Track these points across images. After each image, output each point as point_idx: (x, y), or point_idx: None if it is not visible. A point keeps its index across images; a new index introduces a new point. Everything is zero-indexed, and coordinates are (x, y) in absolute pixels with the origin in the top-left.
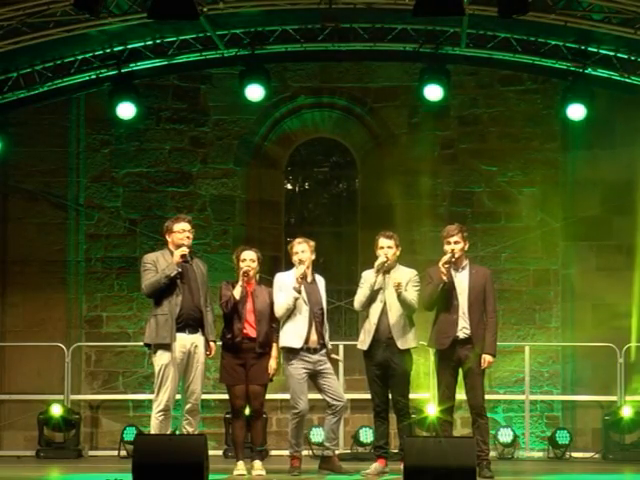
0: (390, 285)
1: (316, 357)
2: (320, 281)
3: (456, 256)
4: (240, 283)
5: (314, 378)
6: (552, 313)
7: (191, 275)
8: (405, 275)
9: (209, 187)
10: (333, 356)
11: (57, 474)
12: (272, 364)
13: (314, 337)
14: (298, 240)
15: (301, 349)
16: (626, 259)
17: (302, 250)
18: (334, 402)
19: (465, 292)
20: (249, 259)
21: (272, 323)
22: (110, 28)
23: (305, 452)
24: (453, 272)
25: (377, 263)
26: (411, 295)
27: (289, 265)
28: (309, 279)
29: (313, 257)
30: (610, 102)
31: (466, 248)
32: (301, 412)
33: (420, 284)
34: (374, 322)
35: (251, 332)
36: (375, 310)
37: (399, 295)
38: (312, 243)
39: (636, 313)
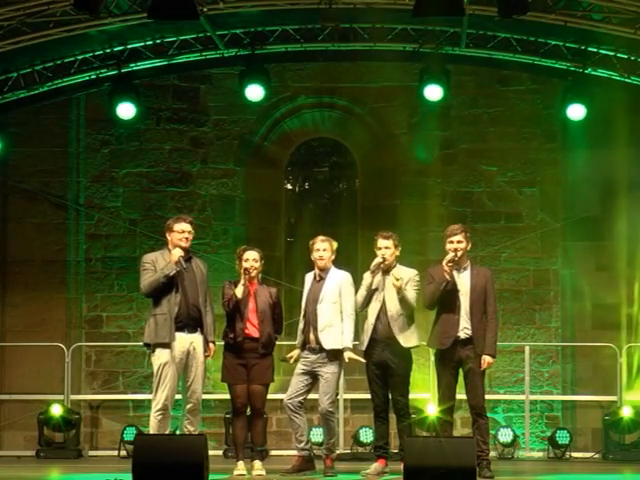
0: (388, 285)
1: (313, 357)
2: (331, 278)
3: (459, 255)
4: (242, 282)
5: (314, 379)
6: (552, 313)
7: (190, 275)
8: (405, 275)
9: (209, 187)
10: (347, 355)
11: (57, 474)
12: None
13: (312, 337)
14: (321, 238)
15: (302, 348)
16: (626, 259)
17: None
18: (319, 407)
19: (467, 292)
20: (252, 259)
21: (275, 324)
22: (110, 28)
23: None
24: (455, 272)
25: (373, 264)
26: (410, 294)
27: (288, 264)
28: (317, 278)
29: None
30: (610, 102)
31: (468, 248)
32: (284, 402)
33: (420, 284)
34: (372, 322)
35: (253, 332)
36: (373, 310)
37: (399, 291)
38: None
39: (636, 313)
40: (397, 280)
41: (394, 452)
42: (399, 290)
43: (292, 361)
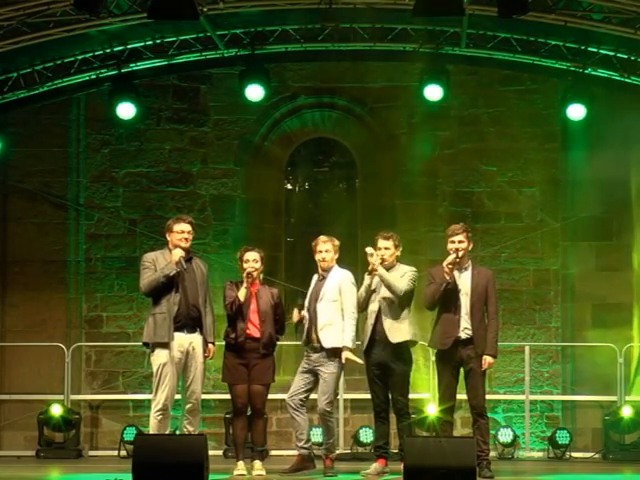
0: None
1: (315, 356)
2: (332, 277)
3: (460, 256)
4: (245, 285)
5: (316, 378)
6: (552, 313)
7: (191, 275)
8: (402, 270)
9: (209, 187)
10: (345, 355)
11: (57, 474)
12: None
13: (313, 335)
14: (323, 239)
15: (306, 345)
16: (626, 259)
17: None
18: (317, 408)
19: (468, 293)
20: (252, 260)
21: (276, 324)
22: (110, 28)
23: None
24: (456, 272)
25: (371, 265)
26: (401, 282)
27: (288, 264)
28: (320, 277)
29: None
30: (610, 102)
31: (470, 248)
32: (286, 400)
33: (419, 283)
34: (371, 322)
35: (254, 332)
36: (372, 310)
37: (376, 274)
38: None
39: (636, 313)
40: (372, 265)
41: (394, 452)
42: (376, 274)
43: (300, 314)
